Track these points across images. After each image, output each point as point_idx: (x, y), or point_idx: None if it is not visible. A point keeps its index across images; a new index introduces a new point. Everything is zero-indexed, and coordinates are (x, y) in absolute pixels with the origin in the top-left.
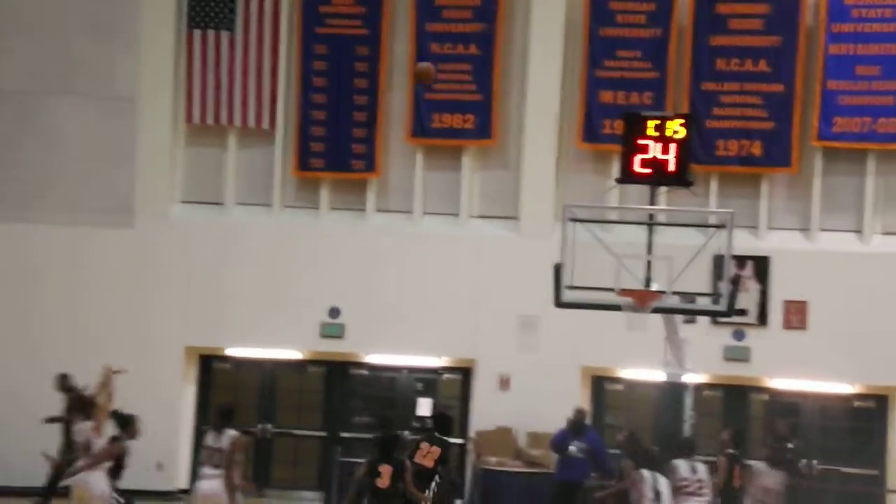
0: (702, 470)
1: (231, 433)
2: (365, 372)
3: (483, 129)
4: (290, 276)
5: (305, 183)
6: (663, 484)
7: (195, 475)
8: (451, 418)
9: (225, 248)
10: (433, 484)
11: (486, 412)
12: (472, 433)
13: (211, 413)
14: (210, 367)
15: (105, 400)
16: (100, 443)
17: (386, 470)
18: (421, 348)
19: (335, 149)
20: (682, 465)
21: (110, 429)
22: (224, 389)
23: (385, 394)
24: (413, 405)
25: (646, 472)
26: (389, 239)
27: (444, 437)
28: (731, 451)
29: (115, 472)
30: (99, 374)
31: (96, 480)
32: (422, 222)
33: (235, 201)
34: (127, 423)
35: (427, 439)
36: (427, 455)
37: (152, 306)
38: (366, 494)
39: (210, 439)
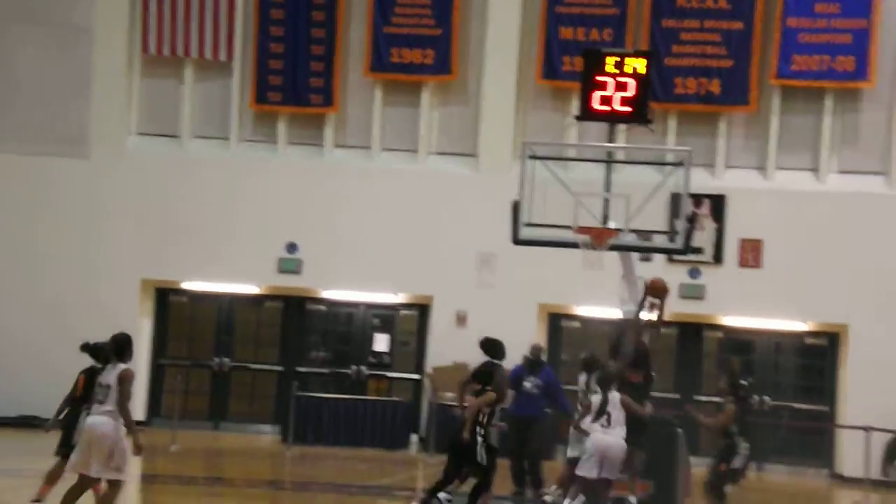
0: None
1: (119, 366)
2: (322, 307)
3: (442, 65)
4: (248, 210)
5: (263, 116)
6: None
7: (153, 409)
8: (495, 341)
9: (181, 180)
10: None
11: (442, 348)
12: (428, 369)
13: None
14: (166, 299)
15: None
16: None
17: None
18: (378, 284)
19: (293, 82)
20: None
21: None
22: (180, 322)
23: (342, 329)
24: (370, 340)
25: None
26: (347, 174)
27: (492, 359)
28: (731, 397)
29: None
30: None
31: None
32: (380, 158)
33: (192, 134)
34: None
35: (481, 364)
36: (494, 381)
37: (108, 238)
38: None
39: (102, 374)
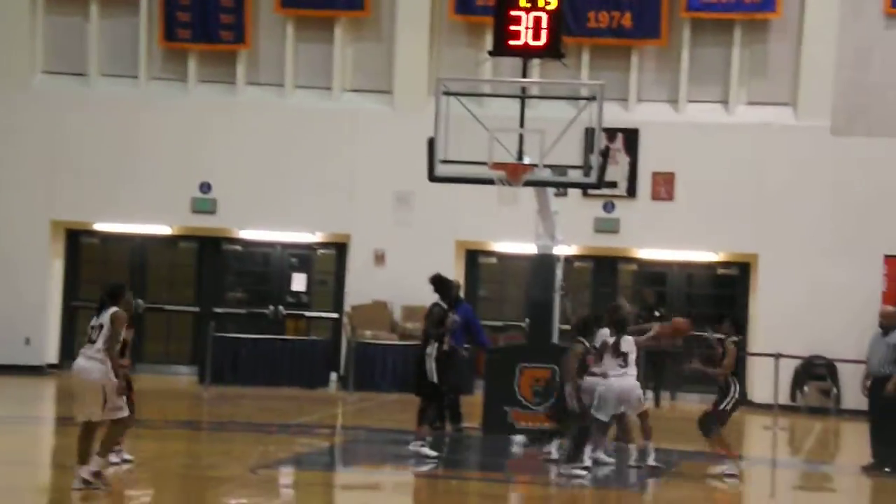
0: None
1: (112, 310)
2: (238, 247)
3: (355, 0)
4: (159, 149)
5: (172, 54)
6: None
7: (65, 351)
8: (443, 280)
9: (90, 120)
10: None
11: (361, 287)
12: (347, 307)
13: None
14: (78, 241)
15: None
16: None
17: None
18: (295, 224)
19: (202, 19)
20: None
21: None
22: (93, 264)
23: (259, 269)
24: (287, 280)
25: None
26: (260, 112)
27: (439, 299)
28: (734, 338)
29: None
30: None
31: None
32: (294, 96)
33: (100, 72)
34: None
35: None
36: (426, 316)
37: (15, 179)
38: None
39: (94, 318)
